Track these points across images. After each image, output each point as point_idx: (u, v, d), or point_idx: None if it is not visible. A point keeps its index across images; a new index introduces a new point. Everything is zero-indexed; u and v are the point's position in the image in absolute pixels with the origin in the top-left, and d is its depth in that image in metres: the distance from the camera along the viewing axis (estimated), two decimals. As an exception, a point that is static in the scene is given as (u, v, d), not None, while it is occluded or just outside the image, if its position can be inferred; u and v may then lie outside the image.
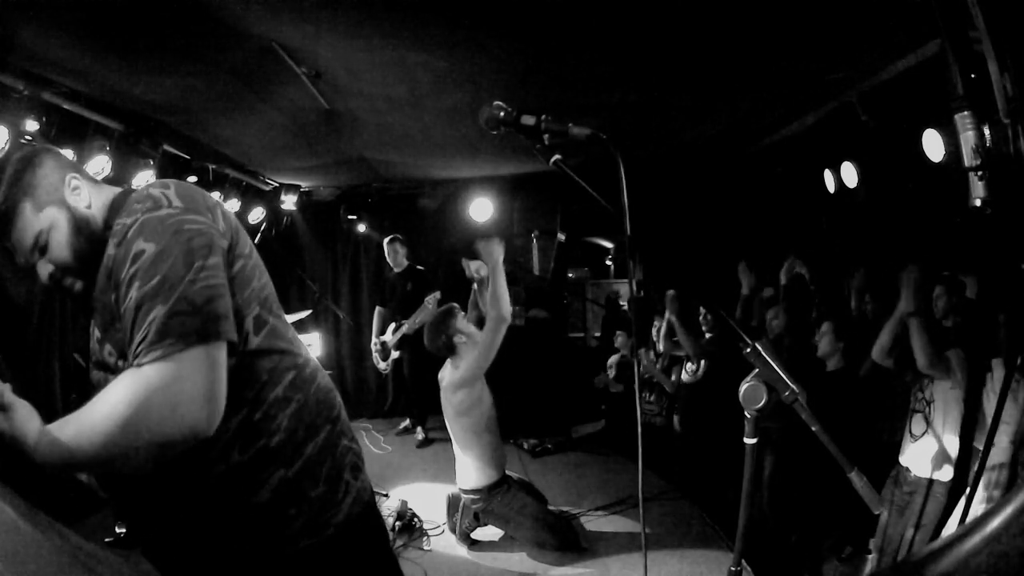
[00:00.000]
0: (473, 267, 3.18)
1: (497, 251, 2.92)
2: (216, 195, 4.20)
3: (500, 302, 2.86)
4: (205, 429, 0.92)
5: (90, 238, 1.06)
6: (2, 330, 3.24)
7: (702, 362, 3.99)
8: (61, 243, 1.05)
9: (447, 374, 3.13)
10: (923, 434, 2.62)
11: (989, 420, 2.25)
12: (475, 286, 3.35)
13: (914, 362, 2.58)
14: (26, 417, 0.91)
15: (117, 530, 3.08)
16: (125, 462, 0.93)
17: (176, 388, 0.89)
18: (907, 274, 2.65)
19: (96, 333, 1.09)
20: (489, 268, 2.92)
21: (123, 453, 0.90)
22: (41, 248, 1.05)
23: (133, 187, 1.16)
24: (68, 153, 1.26)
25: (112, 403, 0.89)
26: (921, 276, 2.67)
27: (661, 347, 4.48)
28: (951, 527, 2.36)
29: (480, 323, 3.13)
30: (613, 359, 5.36)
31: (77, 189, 1.09)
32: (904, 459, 2.70)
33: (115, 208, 1.08)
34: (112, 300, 0.99)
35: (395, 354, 5.06)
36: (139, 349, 0.91)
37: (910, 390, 2.75)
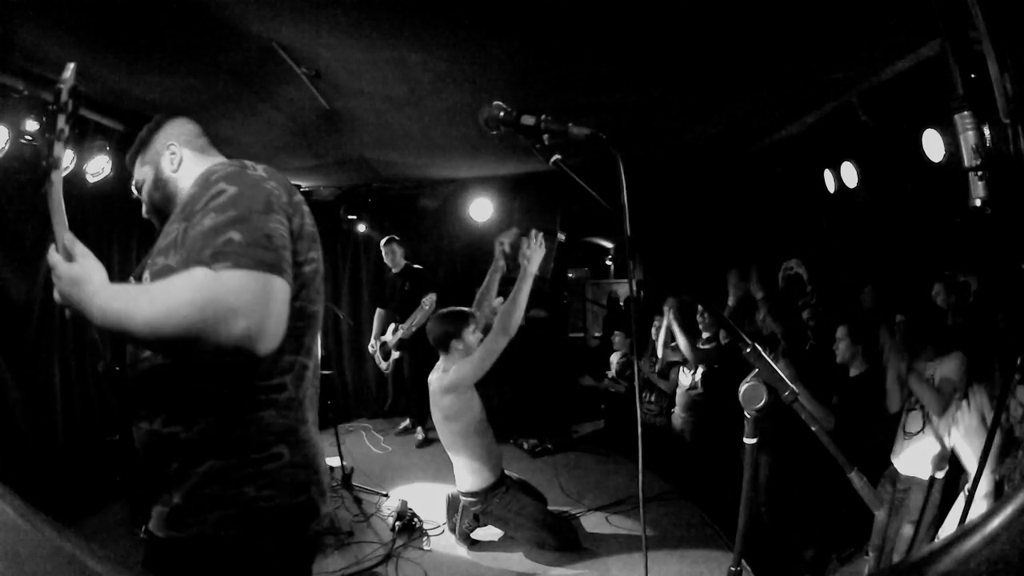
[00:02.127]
0: (506, 241, 3.14)
1: (537, 257, 2.81)
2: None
3: (513, 315, 2.77)
4: (255, 346, 0.91)
5: (165, 193, 1.31)
6: (2, 330, 3.23)
7: (700, 367, 3.99)
8: (147, 191, 1.35)
9: (436, 378, 3.10)
10: (918, 432, 2.63)
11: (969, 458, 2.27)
12: (493, 268, 3.23)
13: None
14: (94, 266, 0.99)
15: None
16: (168, 346, 0.97)
17: (241, 297, 0.91)
18: (895, 331, 2.67)
19: (148, 260, 1.19)
20: (520, 272, 2.82)
21: (170, 337, 0.91)
22: (138, 190, 1.38)
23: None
24: (184, 125, 1.38)
25: (178, 286, 0.93)
26: (909, 330, 2.69)
27: (660, 352, 4.47)
28: (949, 527, 2.36)
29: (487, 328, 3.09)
30: (615, 357, 5.36)
31: (173, 156, 1.31)
32: (897, 458, 2.71)
33: (205, 173, 1.16)
34: (180, 230, 1.08)
35: (395, 354, 5.07)
36: (208, 256, 0.94)
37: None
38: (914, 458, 2.64)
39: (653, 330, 4.66)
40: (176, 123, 1.36)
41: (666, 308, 4.30)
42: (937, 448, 2.55)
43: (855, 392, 2.97)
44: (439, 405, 3.03)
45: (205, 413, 1.07)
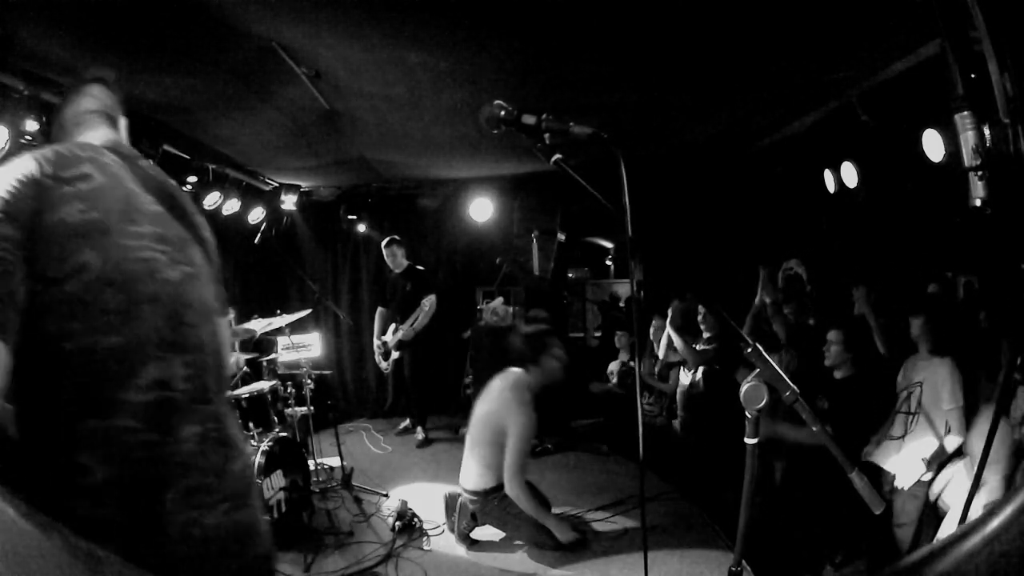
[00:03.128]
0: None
1: None
2: (216, 196, 4.26)
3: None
4: None
5: None
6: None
7: (700, 369, 3.99)
8: None
9: (509, 381, 3.16)
10: (902, 437, 2.64)
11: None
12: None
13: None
14: None
15: None
16: None
17: None
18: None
19: None
20: None
21: None
22: None
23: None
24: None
25: None
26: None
27: (661, 354, 4.47)
28: (949, 527, 2.36)
29: None
30: (614, 365, 5.35)
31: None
32: (886, 464, 2.72)
33: None
34: None
35: (396, 354, 5.06)
36: None
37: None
38: (900, 464, 2.65)
39: (651, 331, 4.65)
40: (78, 98, 1.21)
41: (670, 316, 4.32)
42: (923, 452, 2.55)
43: (841, 394, 2.98)
44: (491, 399, 3.07)
45: (24, 492, 0.84)
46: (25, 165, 0.88)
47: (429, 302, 4.84)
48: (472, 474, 3.08)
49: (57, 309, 0.84)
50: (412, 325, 4.90)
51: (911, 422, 2.64)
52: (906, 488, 2.56)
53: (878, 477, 2.66)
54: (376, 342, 5.22)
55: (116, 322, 0.88)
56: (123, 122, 1.23)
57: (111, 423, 0.85)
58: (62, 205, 0.87)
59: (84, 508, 0.83)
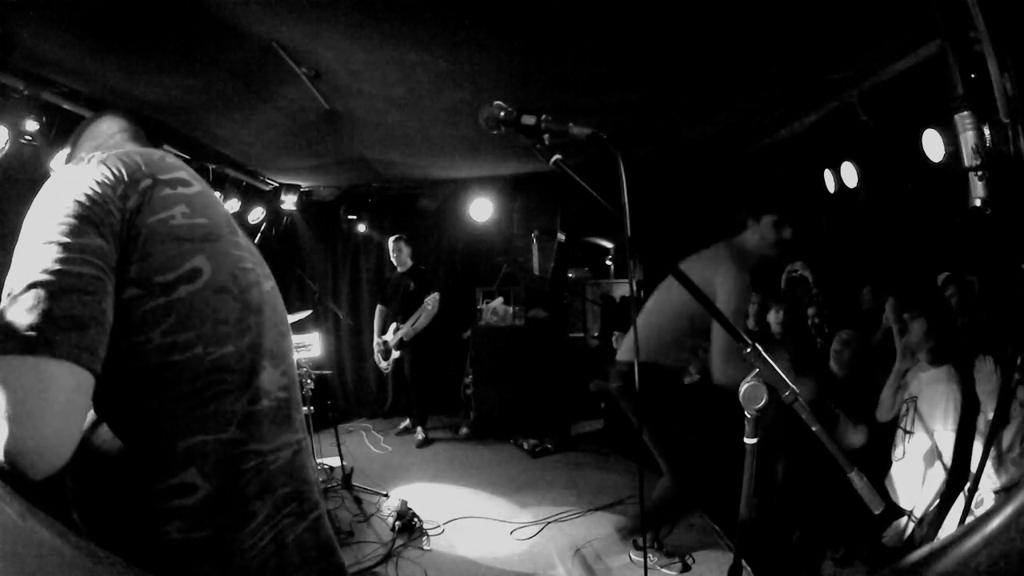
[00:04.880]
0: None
1: None
2: (216, 196, 4.25)
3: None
4: (17, 467, 0.63)
5: None
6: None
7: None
8: None
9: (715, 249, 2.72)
10: (903, 457, 2.64)
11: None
12: None
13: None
14: None
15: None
16: None
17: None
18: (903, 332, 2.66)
19: None
20: None
21: None
22: None
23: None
24: (106, 123, 1.08)
25: None
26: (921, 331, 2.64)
27: None
28: (949, 527, 2.36)
29: None
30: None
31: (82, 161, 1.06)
32: (887, 481, 2.72)
33: None
34: None
35: (396, 354, 5.07)
36: None
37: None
38: (899, 483, 2.64)
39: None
40: (101, 121, 1.09)
41: None
42: (916, 474, 2.55)
43: (837, 392, 2.98)
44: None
45: (102, 519, 0.80)
46: (109, 166, 0.81)
47: (433, 301, 4.83)
48: (628, 345, 2.75)
49: (166, 318, 0.77)
50: (414, 324, 4.90)
51: (907, 441, 2.62)
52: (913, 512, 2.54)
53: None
54: (376, 341, 5.22)
55: (231, 332, 0.84)
56: None
57: (219, 436, 0.81)
58: (167, 207, 0.82)
59: (180, 531, 0.78)
